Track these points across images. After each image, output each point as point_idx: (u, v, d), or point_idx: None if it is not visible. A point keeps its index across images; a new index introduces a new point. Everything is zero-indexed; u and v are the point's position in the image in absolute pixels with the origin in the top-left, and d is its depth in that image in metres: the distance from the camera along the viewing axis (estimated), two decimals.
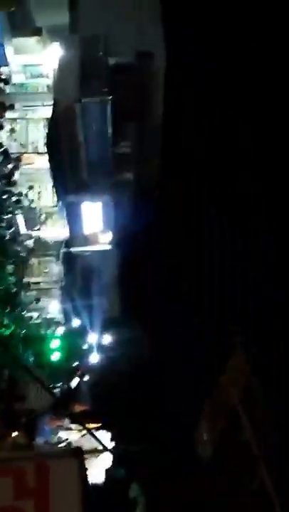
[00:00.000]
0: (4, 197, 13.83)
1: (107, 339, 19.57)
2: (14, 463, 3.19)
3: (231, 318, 17.30)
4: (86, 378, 18.95)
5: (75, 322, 19.00)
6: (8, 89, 14.06)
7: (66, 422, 17.12)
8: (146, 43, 16.44)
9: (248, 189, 17.79)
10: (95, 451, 15.82)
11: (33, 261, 17.79)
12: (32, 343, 15.24)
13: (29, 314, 16.52)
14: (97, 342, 19.44)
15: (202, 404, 13.64)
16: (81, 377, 18.40)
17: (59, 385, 17.26)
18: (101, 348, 19.47)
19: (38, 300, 17.34)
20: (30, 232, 16.38)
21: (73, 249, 18.13)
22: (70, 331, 18.61)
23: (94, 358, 19.28)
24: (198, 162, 17.86)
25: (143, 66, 16.47)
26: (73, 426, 17.64)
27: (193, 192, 18.40)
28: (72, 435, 17.47)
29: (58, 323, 18.83)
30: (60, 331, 18.24)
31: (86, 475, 3.17)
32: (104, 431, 17.75)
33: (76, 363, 18.22)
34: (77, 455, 2.98)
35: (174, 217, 18.15)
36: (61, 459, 3.06)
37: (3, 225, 14.09)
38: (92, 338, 19.27)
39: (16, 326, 13.17)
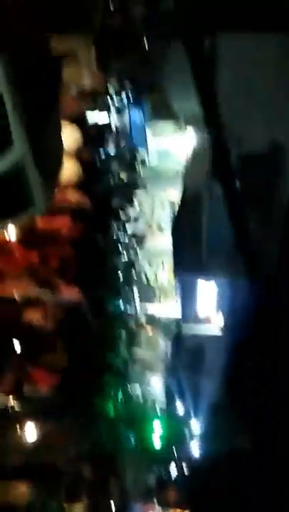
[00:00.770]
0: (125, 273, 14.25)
1: (211, 427, 19.03)
2: None
3: None
4: (185, 466, 18.37)
5: (178, 405, 18.74)
6: (142, 171, 14.75)
7: (160, 509, 16.60)
8: (278, 135, 16.65)
9: None
10: None
11: (143, 336, 17.96)
12: (134, 425, 15.16)
13: (134, 390, 16.55)
14: (200, 429, 18.96)
15: None
16: (179, 465, 17.87)
17: (156, 470, 16.89)
18: (204, 436, 18.91)
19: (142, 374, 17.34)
20: (143, 306, 16.62)
21: (184, 329, 18.10)
22: (173, 416, 18.31)
23: (194, 447, 18.69)
24: None
25: (273, 157, 16.64)
26: None
27: None
28: None
29: (160, 404, 18.68)
30: (163, 415, 18.01)
31: None
32: None
33: (176, 450, 17.80)
34: None
35: None
36: None
37: (120, 299, 14.44)
38: (194, 424, 18.83)
39: (123, 402, 13.23)
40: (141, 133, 14.52)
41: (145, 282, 16.21)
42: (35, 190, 4.51)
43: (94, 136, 10.69)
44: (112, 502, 12.38)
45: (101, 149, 11.18)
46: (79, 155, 8.70)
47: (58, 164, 5.09)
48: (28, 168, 4.41)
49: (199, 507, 18.34)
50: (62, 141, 5.38)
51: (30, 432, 9.04)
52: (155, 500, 16.88)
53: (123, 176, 12.18)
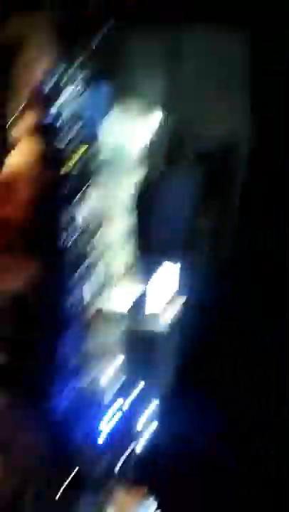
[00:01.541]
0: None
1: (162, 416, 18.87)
2: None
3: None
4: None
5: (130, 397, 18.40)
6: (97, 161, 14.51)
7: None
8: (233, 128, 16.73)
9: None
10: None
11: (97, 326, 17.85)
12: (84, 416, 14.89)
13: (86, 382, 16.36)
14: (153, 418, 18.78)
15: None
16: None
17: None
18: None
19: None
20: (98, 296, 16.53)
21: (139, 318, 18.03)
22: (123, 409, 18.02)
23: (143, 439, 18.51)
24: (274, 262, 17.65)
25: (226, 152, 16.74)
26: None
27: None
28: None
29: (111, 396, 18.39)
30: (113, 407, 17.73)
31: None
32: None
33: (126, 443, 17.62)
34: None
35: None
36: None
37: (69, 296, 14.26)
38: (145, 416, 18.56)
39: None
40: (98, 121, 14.32)
41: (101, 272, 16.09)
42: None
43: (48, 124, 10.45)
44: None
45: (56, 137, 10.92)
46: (30, 144, 8.53)
47: None
48: None
49: (157, 484, 18.24)
50: None
51: None
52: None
53: (77, 166, 11.82)
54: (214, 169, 14.73)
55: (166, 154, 14.32)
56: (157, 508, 15.05)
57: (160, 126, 14.54)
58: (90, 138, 13.11)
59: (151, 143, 14.55)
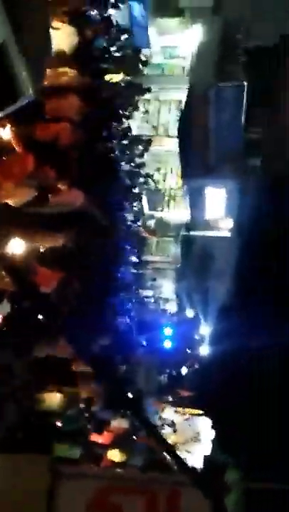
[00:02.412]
0: (132, 178, 14.08)
1: (220, 329, 19.58)
2: (149, 484, 3.25)
3: None
4: (196, 367, 19.22)
5: (189, 309, 19.17)
6: (146, 70, 14.14)
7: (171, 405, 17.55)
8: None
9: None
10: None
11: (153, 240, 18.07)
12: (146, 329, 15.64)
13: (145, 293, 16.92)
14: (210, 332, 19.53)
15: None
16: (190, 366, 18.71)
17: (168, 371, 17.67)
18: (213, 338, 19.53)
19: (154, 279, 17.65)
20: (152, 212, 16.58)
21: (193, 233, 18.14)
22: (184, 320, 18.84)
23: (204, 349, 19.42)
24: None
25: (282, 50, 15.86)
26: (178, 409, 18.09)
27: None
28: (176, 418, 17.95)
29: (171, 306, 19.15)
30: (174, 318, 18.55)
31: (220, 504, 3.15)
32: (206, 418, 18.03)
33: (187, 352, 18.48)
34: (209, 490, 2.97)
35: None
36: (195, 488, 3.07)
37: (129, 205, 14.39)
38: (204, 328, 19.39)
39: (133, 307, 13.54)
40: (143, 30, 13.78)
41: (153, 187, 16.06)
42: (22, 76, 4.47)
43: (93, 35, 10.15)
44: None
45: (100, 49, 10.64)
46: (77, 57, 8.33)
47: (44, 52, 5.01)
48: (11, 52, 4.36)
49: (210, 406, 19.27)
50: (48, 31, 5.29)
51: None
52: (169, 399, 17.85)
53: (126, 76, 11.62)
54: (266, 73, 13.92)
55: (218, 61, 13.60)
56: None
57: (210, 31, 13.71)
58: (139, 45, 12.39)
59: (201, 51, 13.78)
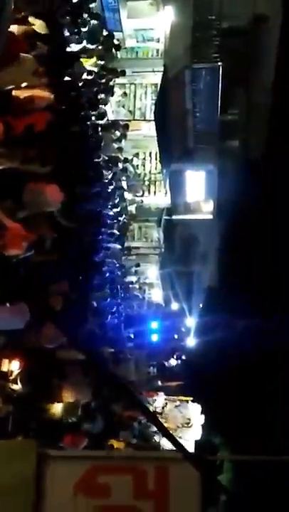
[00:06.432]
0: (110, 164, 13.97)
1: (204, 313, 19.71)
2: (136, 462, 3.28)
3: None
4: (183, 358, 19.43)
5: (173, 299, 19.22)
6: (119, 54, 13.99)
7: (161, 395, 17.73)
8: (262, 5, 15.71)
9: None
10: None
11: (134, 226, 18.02)
12: (133, 323, 15.68)
13: (129, 279, 16.89)
14: (195, 319, 19.66)
15: None
16: (178, 358, 18.92)
17: (155, 363, 17.82)
18: (198, 325, 19.66)
19: (138, 265, 17.62)
20: (133, 197, 16.51)
21: (174, 217, 18.14)
22: (170, 313, 18.89)
23: (191, 341, 19.60)
24: None
25: (256, 30, 15.79)
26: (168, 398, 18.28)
27: None
28: (167, 406, 18.15)
29: (156, 292, 19.13)
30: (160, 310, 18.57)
31: (211, 480, 3.19)
32: (196, 403, 18.27)
33: (173, 345, 18.63)
34: (199, 463, 2.99)
35: (280, 190, 17.52)
36: (182, 464, 3.09)
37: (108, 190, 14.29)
38: (189, 318, 19.50)
39: (118, 297, 13.47)
40: (114, 14, 13.63)
41: (132, 173, 15.97)
42: None
43: (63, 20, 10.01)
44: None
45: (71, 34, 10.49)
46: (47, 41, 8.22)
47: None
48: None
49: (200, 394, 19.46)
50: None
51: None
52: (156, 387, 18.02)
53: (99, 61, 11.51)
54: (241, 54, 13.84)
55: (192, 42, 13.48)
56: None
57: (182, 13, 13.56)
58: (111, 28, 12.22)
59: (174, 33, 13.62)
